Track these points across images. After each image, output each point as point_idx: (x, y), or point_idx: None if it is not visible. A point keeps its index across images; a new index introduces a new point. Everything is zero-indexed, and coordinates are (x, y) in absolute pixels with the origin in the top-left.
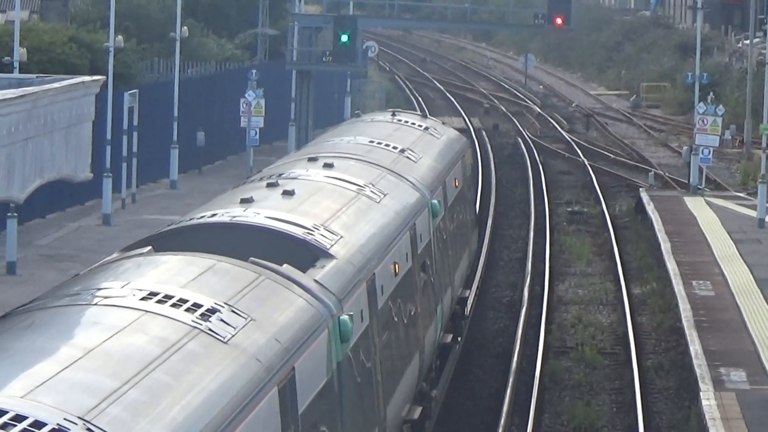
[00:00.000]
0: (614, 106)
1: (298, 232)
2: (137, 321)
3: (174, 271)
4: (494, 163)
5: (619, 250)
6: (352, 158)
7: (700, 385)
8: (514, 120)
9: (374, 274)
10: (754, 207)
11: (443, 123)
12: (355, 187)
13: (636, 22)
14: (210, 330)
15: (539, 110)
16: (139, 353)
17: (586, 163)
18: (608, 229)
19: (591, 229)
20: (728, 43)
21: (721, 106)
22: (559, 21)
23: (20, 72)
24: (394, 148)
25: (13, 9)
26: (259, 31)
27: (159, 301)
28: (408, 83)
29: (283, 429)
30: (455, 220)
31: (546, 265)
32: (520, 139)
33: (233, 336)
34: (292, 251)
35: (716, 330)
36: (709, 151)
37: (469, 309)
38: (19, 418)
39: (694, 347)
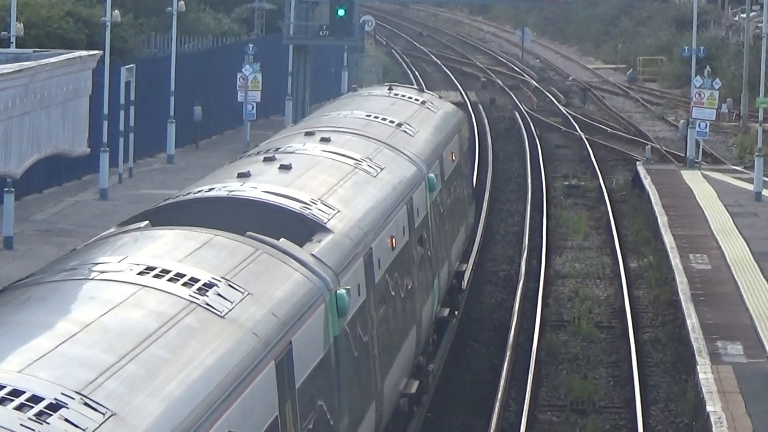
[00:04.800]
0: (611, 80)
1: (296, 206)
2: (134, 295)
3: (171, 246)
4: (491, 136)
5: (616, 223)
6: (349, 132)
7: (697, 358)
8: (511, 94)
9: (371, 248)
10: (750, 180)
11: (440, 97)
12: (352, 161)
13: None
14: (207, 304)
15: (536, 84)
16: (136, 328)
17: (583, 136)
18: (605, 203)
19: (588, 203)
20: (725, 16)
21: (717, 80)
22: None
23: (17, 47)
24: (391, 122)
25: None
26: (256, 5)
27: (156, 276)
28: (405, 57)
29: (280, 403)
30: (452, 193)
31: (543, 238)
32: (517, 113)
33: (230, 310)
34: (289, 225)
35: (713, 303)
36: (706, 125)
37: (466, 283)
38: (16, 392)
39: (691, 321)
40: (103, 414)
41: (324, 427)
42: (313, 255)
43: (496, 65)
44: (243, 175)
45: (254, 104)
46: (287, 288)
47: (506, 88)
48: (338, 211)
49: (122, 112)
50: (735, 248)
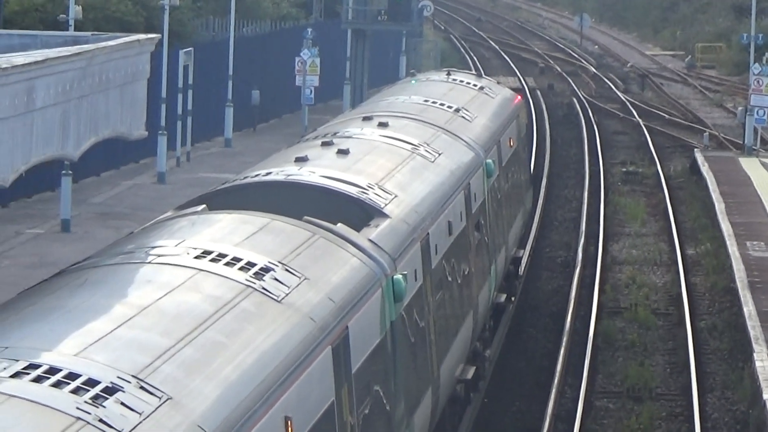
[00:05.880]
0: (669, 67)
1: (353, 191)
2: (191, 279)
3: (228, 230)
4: (549, 122)
5: (673, 210)
6: (407, 117)
7: (754, 346)
8: (569, 80)
9: (428, 233)
10: None
11: (498, 82)
12: (409, 146)
13: None
14: (264, 289)
15: (594, 70)
16: (193, 312)
17: (641, 123)
18: (663, 190)
19: (645, 190)
20: None
21: None
22: None
23: (75, 30)
24: (449, 107)
25: None
26: None
27: (213, 260)
28: (463, 43)
29: (337, 388)
30: (509, 179)
31: (600, 225)
32: (574, 99)
33: (287, 295)
34: (346, 210)
35: None
36: (764, 112)
37: (523, 269)
38: (72, 376)
39: (748, 308)
40: (159, 398)
41: (380, 412)
42: (370, 240)
43: (555, 51)
44: (300, 160)
45: (312, 88)
46: (344, 273)
47: (564, 74)
48: (395, 196)
49: (180, 96)
50: None
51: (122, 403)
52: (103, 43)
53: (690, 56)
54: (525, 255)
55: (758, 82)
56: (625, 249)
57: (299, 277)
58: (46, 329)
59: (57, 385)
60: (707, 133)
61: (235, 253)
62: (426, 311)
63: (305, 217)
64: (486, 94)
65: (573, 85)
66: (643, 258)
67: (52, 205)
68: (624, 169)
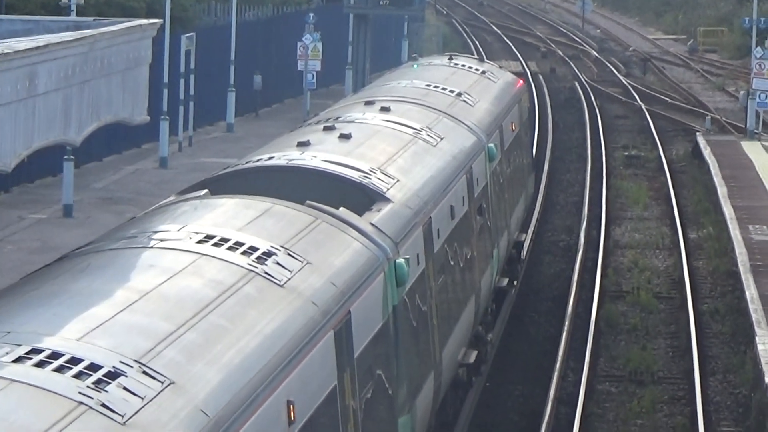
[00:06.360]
0: (671, 51)
1: (355, 175)
2: (193, 264)
3: (230, 214)
4: (551, 107)
5: (675, 194)
6: (409, 102)
7: (756, 329)
8: (571, 64)
9: (430, 217)
10: None
11: (500, 67)
12: (411, 131)
13: None
14: (266, 273)
15: (596, 54)
16: (195, 296)
17: (643, 107)
18: (665, 174)
19: (647, 173)
20: None
21: None
22: None
23: (77, 15)
24: (451, 91)
25: None
26: None
27: (215, 244)
28: (465, 27)
29: (339, 372)
30: (512, 163)
31: (602, 209)
32: (577, 83)
33: (289, 279)
34: (348, 195)
35: None
36: (766, 96)
37: (525, 253)
38: (74, 360)
39: (750, 292)
40: (162, 382)
41: (382, 396)
42: (372, 224)
43: (557, 35)
44: (303, 144)
45: (314, 73)
46: (346, 257)
47: (566, 59)
48: (398, 181)
49: (182, 81)
50: None
51: (125, 388)
52: (105, 29)
53: (692, 40)
54: (527, 239)
55: (760, 66)
56: (627, 233)
57: (301, 262)
58: (48, 314)
59: (59, 369)
60: (709, 117)
61: (237, 238)
62: (428, 295)
63: (307, 202)
64: (488, 78)
65: (575, 69)
66: (646, 242)
67: (55, 191)
68: (626, 153)
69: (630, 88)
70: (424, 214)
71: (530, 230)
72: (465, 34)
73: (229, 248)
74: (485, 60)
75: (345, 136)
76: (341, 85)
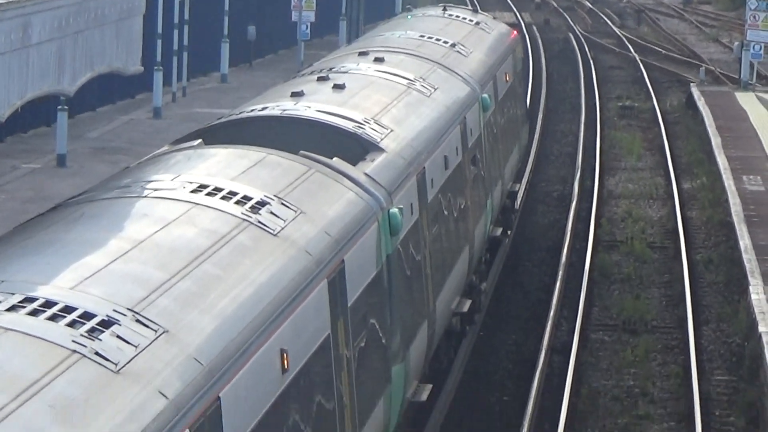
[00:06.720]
0: (665, 2)
1: (349, 125)
2: (187, 213)
3: (224, 164)
4: (545, 58)
5: (669, 144)
6: (403, 52)
7: (750, 279)
8: (565, 15)
9: (424, 167)
10: None
11: (494, 18)
12: (405, 81)
13: None
14: (260, 222)
15: (590, 5)
16: (189, 245)
17: (637, 58)
18: (659, 124)
19: (641, 124)
20: None
21: None
22: None
23: None
24: (445, 42)
25: None
26: None
27: (209, 194)
28: None
29: (333, 321)
30: (506, 114)
31: (596, 159)
32: (571, 35)
33: (283, 228)
34: (342, 144)
35: (766, 225)
36: (761, 47)
37: (519, 202)
38: (68, 309)
39: (744, 242)
40: (155, 331)
41: (376, 345)
42: (366, 174)
43: None
44: (296, 95)
45: (308, 24)
46: (340, 207)
47: (560, 10)
48: (391, 131)
49: (176, 31)
50: None
51: (118, 336)
52: None
53: None
54: (521, 189)
55: (754, 17)
56: (621, 183)
57: (295, 211)
58: (42, 263)
59: (53, 318)
60: (703, 68)
61: (231, 187)
62: (422, 245)
63: (301, 152)
64: (482, 29)
65: (569, 20)
66: (639, 192)
67: (48, 140)
68: (620, 104)
69: (624, 39)
70: (418, 164)
71: (524, 180)
72: None
73: (223, 198)
74: (479, 11)
75: (339, 87)
76: (335, 35)
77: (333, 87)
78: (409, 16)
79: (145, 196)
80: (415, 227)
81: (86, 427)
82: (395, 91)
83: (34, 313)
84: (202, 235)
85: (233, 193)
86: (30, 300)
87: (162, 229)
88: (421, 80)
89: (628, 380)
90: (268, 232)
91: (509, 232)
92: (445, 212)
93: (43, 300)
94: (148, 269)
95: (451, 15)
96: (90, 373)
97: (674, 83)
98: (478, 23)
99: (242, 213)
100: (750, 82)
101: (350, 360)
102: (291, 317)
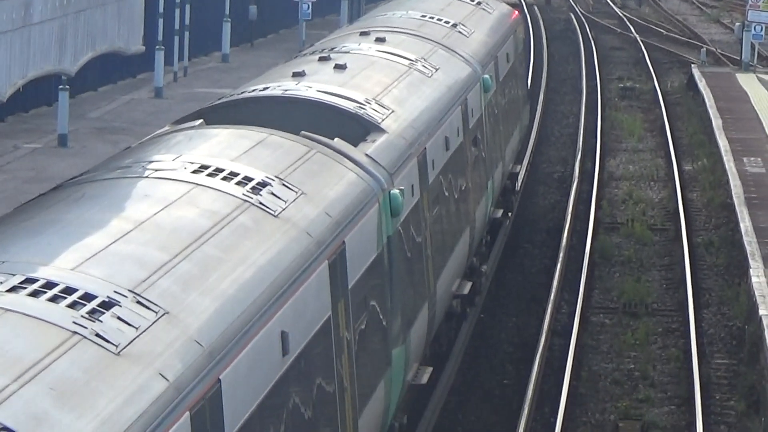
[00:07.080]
0: None
1: (350, 106)
2: (188, 194)
3: (225, 144)
4: (546, 38)
5: (670, 126)
6: (404, 32)
7: (750, 261)
8: None
9: (425, 148)
10: None
11: None
12: (406, 62)
13: None
14: (261, 203)
15: None
16: (190, 226)
17: (638, 39)
18: (660, 106)
19: (642, 105)
20: None
21: None
22: None
23: None
24: (446, 22)
25: None
26: None
27: (210, 174)
28: None
29: (333, 303)
30: (507, 95)
31: (597, 140)
32: (572, 15)
33: (284, 209)
34: (343, 125)
35: (766, 207)
36: (762, 28)
37: (519, 184)
38: (69, 290)
39: (744, 224)
40: (156, 312)
41: (376, 327)
42: (367, 155)
43: None
44: (298, 75)
45: (310, 4)
46: (341, 188)
47: None
48: (392, 111)
49: (178, 11)
50: None
51: (119, 318)
52: None
53: None
54: (522, 170)
55: None
56: (622, 164)
57: (296, 192)
58: (43, 243)
59: (54, 299)
60: (704, 49)
61: (232, 168)
62: (423, 226)
63: (302, 132)
64: (483, 9)
65: (570, 0)
66: (640, 173)
67: (50, 120)
68: (621, 85)
69: (625, 19)
70: (419, 145)
71: (525, 161)
72: None
73: (224, 178)
74: None
75: (340, 67)
76: (337, 15)
77: (334, 67)
78: None
79: (146, 177)
80: (416, 209)
81: (87, 409)
82: (396, 72)
83: (34, 294)
84: (203, 216)
85: (234, 174)
86: (30, 281)
87: (163, 209)
88: (422, 60)
89: (629, 363)
90: (269, 213)
91: (510, 214)
92: (446, 194)
93: (44, 281)
94: (149, 250)
95: None
96: (90, 354)
97: (675, 64)
98: (479, 3)
99: (243, 194)
100: (751, 63)
101: (350, 342)
102: (292, 299)
